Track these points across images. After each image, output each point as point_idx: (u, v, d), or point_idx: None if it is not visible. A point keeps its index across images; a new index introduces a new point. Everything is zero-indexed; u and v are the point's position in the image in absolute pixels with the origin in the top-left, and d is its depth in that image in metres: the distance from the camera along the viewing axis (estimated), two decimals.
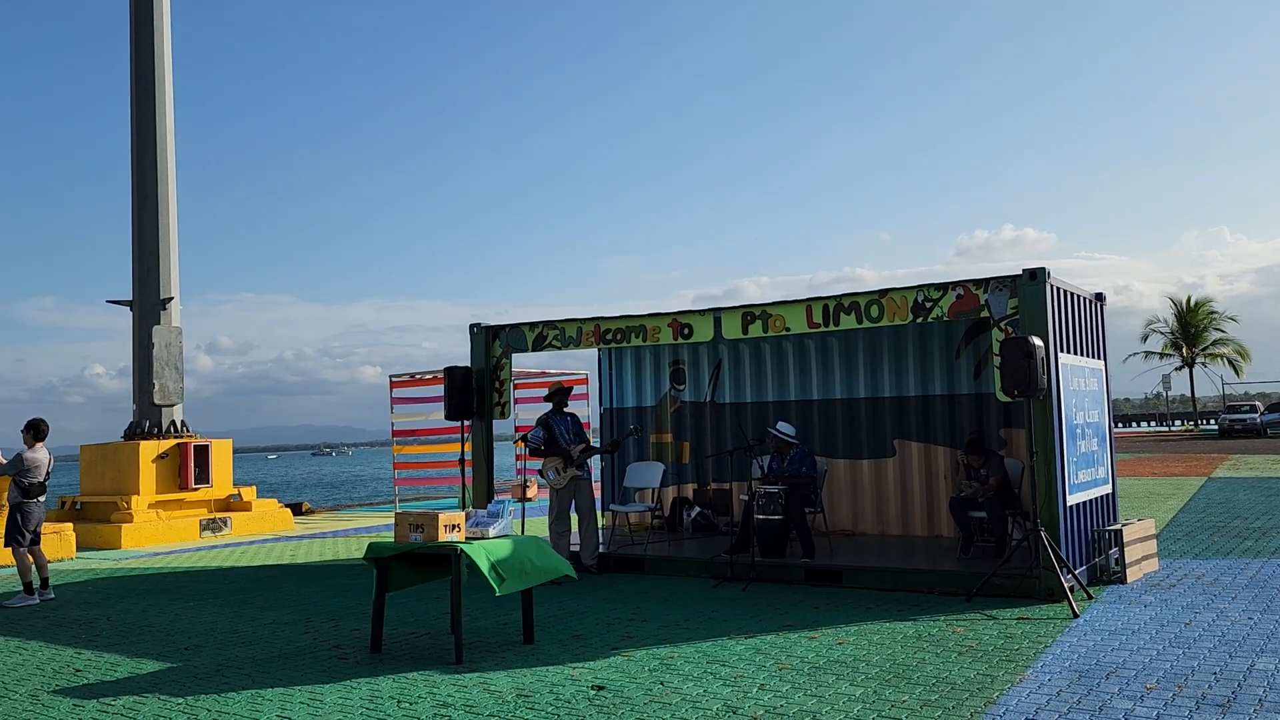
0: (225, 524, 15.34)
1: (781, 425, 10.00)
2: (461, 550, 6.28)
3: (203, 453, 15.67)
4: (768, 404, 11.82)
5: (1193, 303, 52.69)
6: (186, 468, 15.44)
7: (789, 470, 9.66)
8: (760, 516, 9.23)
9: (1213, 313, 52.40)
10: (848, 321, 8.66)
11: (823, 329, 8.82)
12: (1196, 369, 52.28)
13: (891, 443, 11.04)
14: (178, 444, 15.57)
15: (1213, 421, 51.39)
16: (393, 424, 17.98)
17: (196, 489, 15.55)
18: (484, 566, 6.22)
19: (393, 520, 8.09)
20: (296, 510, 18.78)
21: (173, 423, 16.03)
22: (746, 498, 9.65)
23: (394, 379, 17.89)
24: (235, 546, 13.65)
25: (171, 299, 16.30)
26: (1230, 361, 51.39)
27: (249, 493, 16.41)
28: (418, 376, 17.82)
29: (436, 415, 17.02)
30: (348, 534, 14.95)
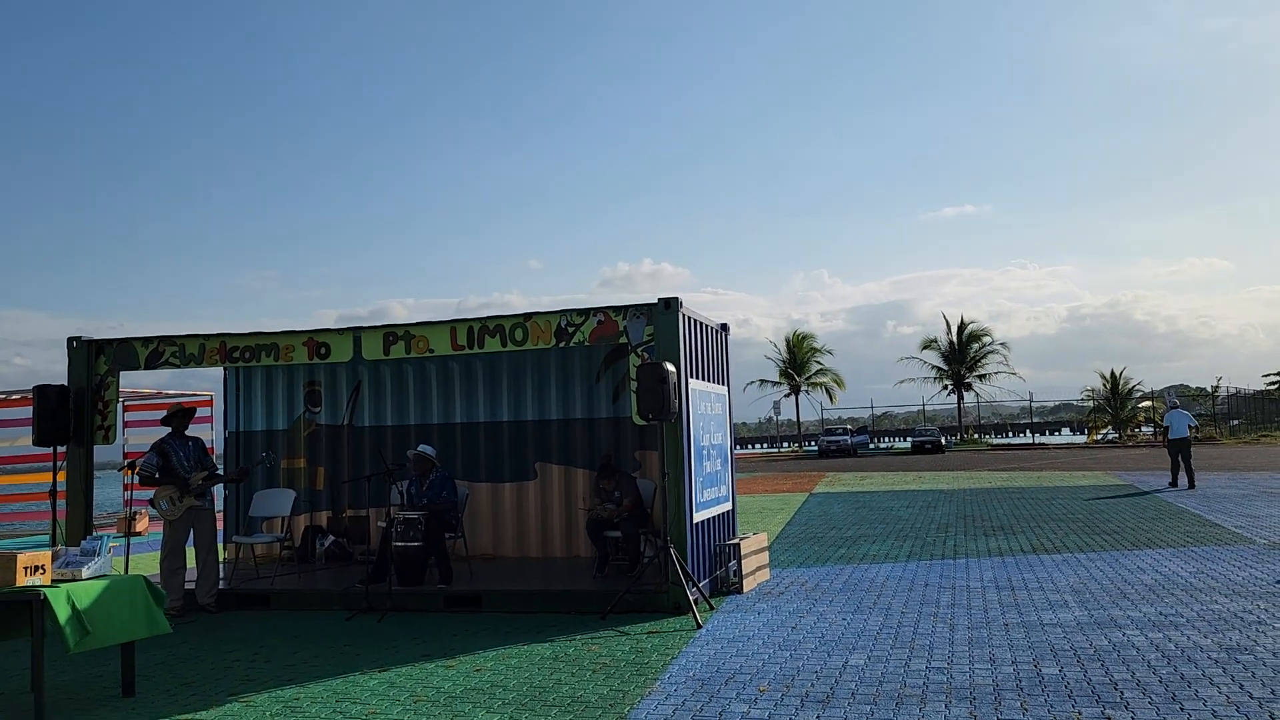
0: None
1: (422, 446, 9.79)
2: (45, 596, 5.45)
3: None
4: (409, 427, 11.52)
5: (799, 337, 58.95)
6: None
7: (428, 495, 9.46)
8: (399, 544, 8.94)
9: (814, 347, 58.95)
10: (492, 344, 8.66)
11: (467, 351, 8.75)
12: (801, 395, 58.53)
13: (533, 465, 11.17)
14: None
15: (814, 443, 57.46)
16: None
17: None
18: (62, 616, 5.40)
19: None
20: None
21: None
22: (385, 524, 9.31)
23: None
24: None
25: None
26: (828, 389, 58.07)
27: None
28: (5, 397, 15.48)
29: (26, 440, 14.83)
30: None
